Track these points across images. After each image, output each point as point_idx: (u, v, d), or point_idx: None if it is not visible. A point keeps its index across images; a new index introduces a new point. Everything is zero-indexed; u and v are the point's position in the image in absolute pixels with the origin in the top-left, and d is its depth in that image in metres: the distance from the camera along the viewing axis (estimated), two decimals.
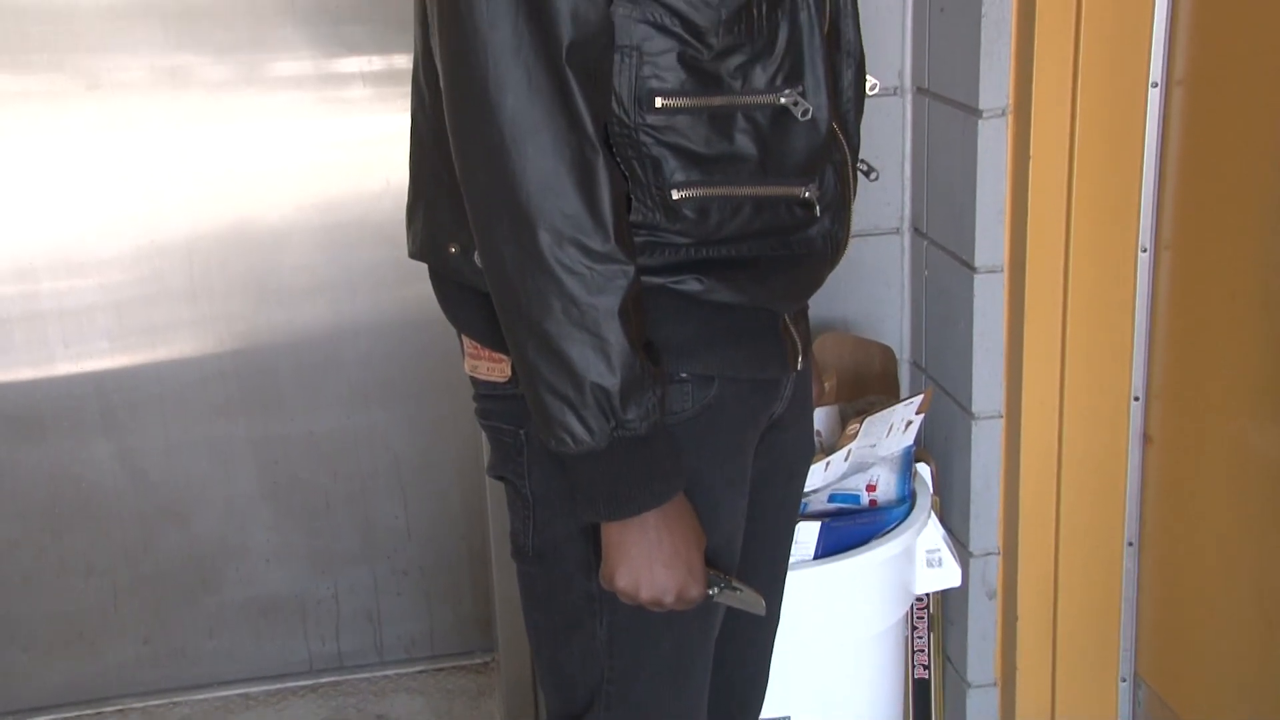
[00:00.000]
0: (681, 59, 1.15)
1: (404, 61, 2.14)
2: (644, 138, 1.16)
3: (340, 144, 2.25)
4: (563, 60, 1.07)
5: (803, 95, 1.20)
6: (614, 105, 1.14)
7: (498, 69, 1.07)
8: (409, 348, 2.32)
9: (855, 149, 1.34)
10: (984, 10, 1.80)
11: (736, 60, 1.17)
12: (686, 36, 1.14)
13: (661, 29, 1.14)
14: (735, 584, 1.25)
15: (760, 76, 1.19)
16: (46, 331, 2.22)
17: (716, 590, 1.24)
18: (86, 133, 2.13)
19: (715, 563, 1.26)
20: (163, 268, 2.22)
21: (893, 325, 2.15)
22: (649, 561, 1.17)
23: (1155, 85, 1.79)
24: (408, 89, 1.29)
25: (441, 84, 1.12)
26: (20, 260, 2.18)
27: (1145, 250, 1.86)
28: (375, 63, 2.21)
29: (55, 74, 2.11)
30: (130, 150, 2.16)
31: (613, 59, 1.13)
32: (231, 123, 2.19)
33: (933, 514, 1.88)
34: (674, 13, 1.14)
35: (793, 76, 1.20)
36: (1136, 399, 1.91)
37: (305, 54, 2.20)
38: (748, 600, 1.26)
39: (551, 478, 1.24)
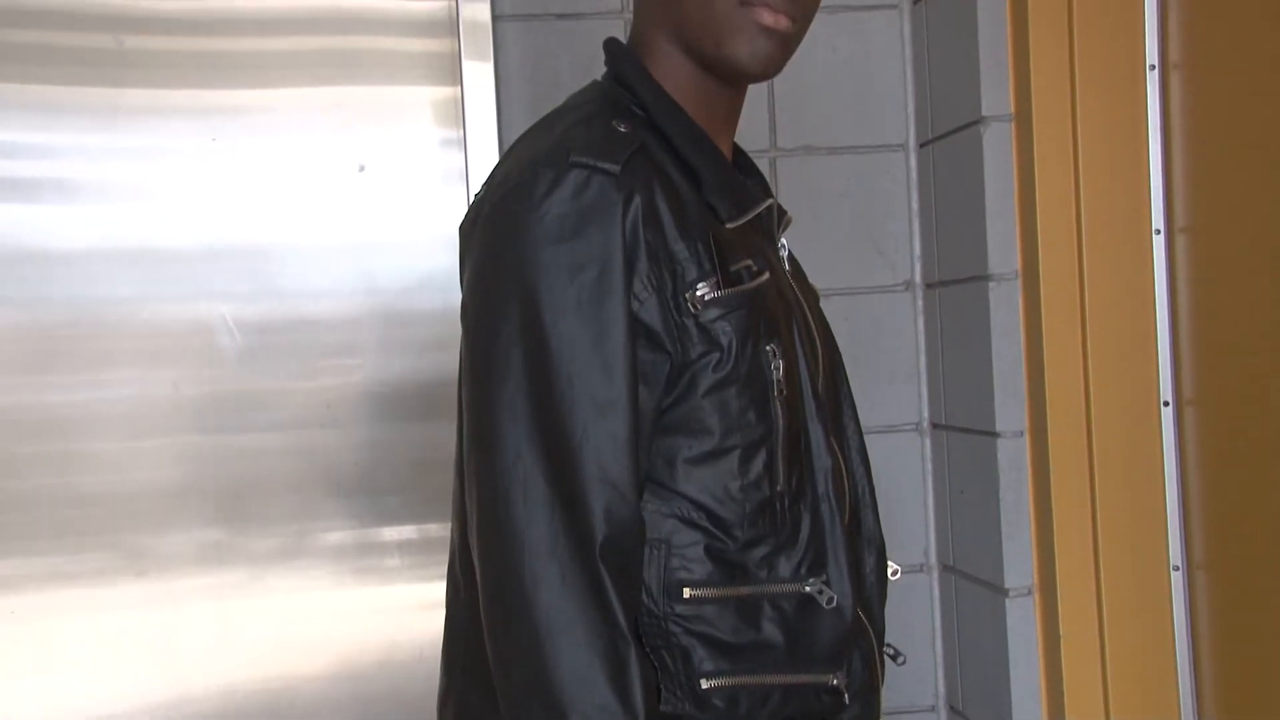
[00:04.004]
0: (709, 551, 1.19)
1: (438, 530, 2.21)
2: (673, 627, 1.18)
3: (375, 612, 2.28)
4: (596, 557, 1.11)
5: (827, 584, 1.24)
6: (643, 596, 1.18)
7: (533, 565, 1.11)
8: None
9: (881, 634, 1.36)
10: (1001, 494, 1.87)
11: (762, 551, 1.21)
12: (713, 530, 1.19)
13: (689, 523, 1.19)
14: None
15: (785, 566, 1.22)
16: None
17: None
18: (130, 612, 2.17)
19: None
20: None
21: None
22: None
23: (1177, 569, 1.82)
24: (442, 557, 1.33)
25: (478, 577, 1.16)
26: None
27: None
28: (409, 532, 2.27)
29: (107, 553, 2.18)
30: (168, 627, 2.19)
31: (643, 553, 1.17)
32: (269, 596, 2.23)
33: None
34: (701, 507, 1.19)
35: (816, 566, 1.24)
36: None
37: (344, 525, 2.26)
38: None
39: None
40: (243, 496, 2.22)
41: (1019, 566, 1.88)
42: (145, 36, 2.10)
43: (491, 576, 1.14)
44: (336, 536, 2.27)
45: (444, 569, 1.35)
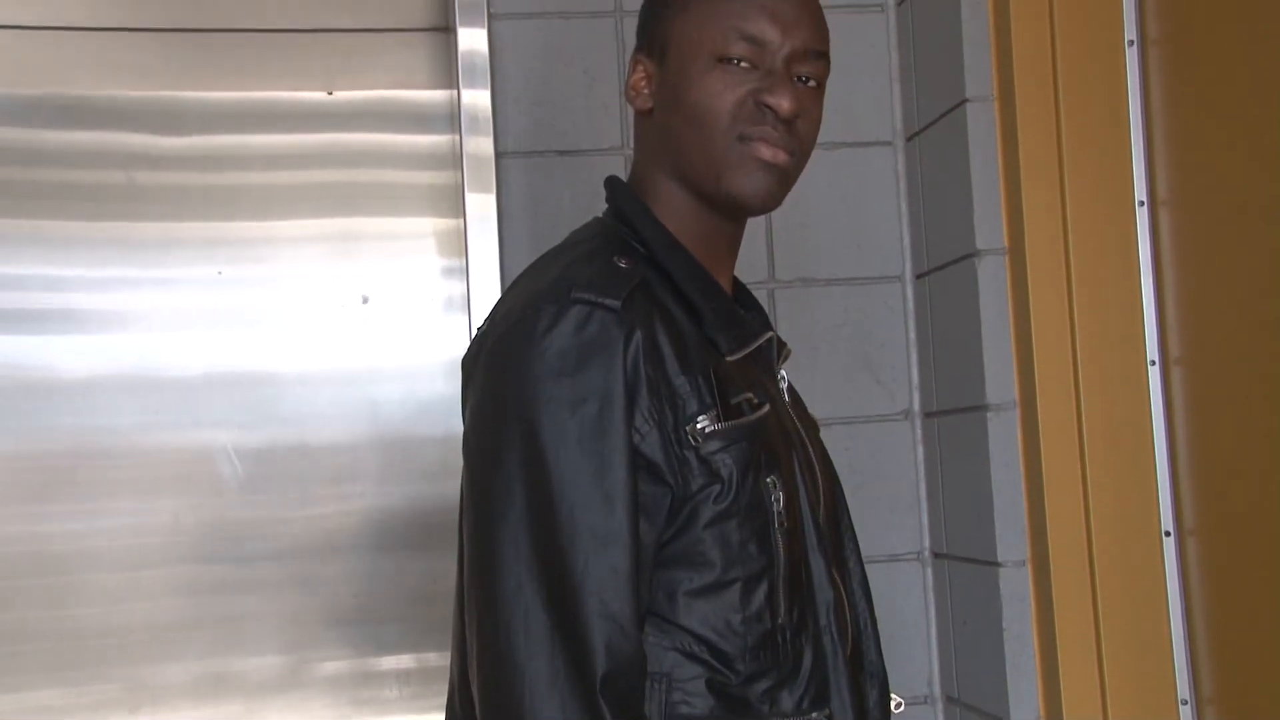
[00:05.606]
0: (710, 685, 1.18)
1: (437, 660, 2.19)
2: None
3: None
4: (596, 691, 1.11)
5: (830, 717, 1.23)
6: None
7: (534, 699, 1.10)
8: None
9: None
10: (1005, 625, 1.86)
11: (764, 685, 1.21)
12: (715, 663, 1.19)
13: (691, 656, 1.19)
14: None
15: (788, 700, 1.22)
16: None
17: None
18: None
19: None
20: None
21: None
22: None
23: (1185, 703, 1.80)
24: (441, 688, 1.32)
25: (477, 709, 1.15)
26: None
27: None
28: (408, 663, 2.25)
29: (102, 685, 2.15)
30: None
31: (644, 687, 1.16)
32: None
33: None
34: (702, 641, 1.19)
35: (819, 699, 1.23)
36: None
37: (343, 655, 2.24)
38: None
39: None
40: (241, 627, 2.21)
41: (1025, 699, 1.86)
42: (156, 172, 2.15)
43: (492, 709, 1.13)
44: (335, 667, 2.25)
45: (443, 699, 1.34)
